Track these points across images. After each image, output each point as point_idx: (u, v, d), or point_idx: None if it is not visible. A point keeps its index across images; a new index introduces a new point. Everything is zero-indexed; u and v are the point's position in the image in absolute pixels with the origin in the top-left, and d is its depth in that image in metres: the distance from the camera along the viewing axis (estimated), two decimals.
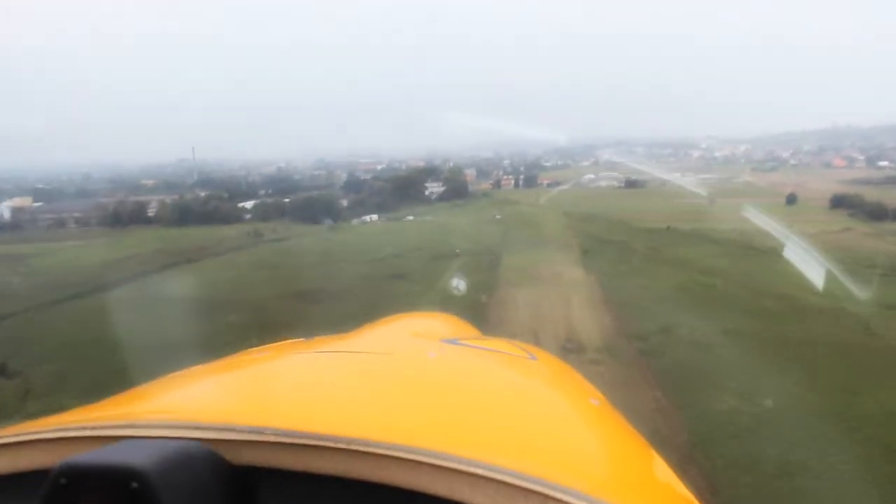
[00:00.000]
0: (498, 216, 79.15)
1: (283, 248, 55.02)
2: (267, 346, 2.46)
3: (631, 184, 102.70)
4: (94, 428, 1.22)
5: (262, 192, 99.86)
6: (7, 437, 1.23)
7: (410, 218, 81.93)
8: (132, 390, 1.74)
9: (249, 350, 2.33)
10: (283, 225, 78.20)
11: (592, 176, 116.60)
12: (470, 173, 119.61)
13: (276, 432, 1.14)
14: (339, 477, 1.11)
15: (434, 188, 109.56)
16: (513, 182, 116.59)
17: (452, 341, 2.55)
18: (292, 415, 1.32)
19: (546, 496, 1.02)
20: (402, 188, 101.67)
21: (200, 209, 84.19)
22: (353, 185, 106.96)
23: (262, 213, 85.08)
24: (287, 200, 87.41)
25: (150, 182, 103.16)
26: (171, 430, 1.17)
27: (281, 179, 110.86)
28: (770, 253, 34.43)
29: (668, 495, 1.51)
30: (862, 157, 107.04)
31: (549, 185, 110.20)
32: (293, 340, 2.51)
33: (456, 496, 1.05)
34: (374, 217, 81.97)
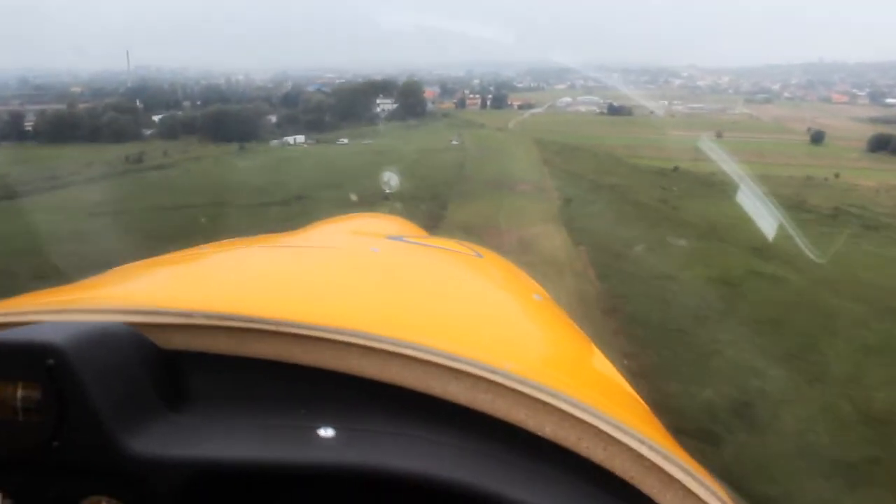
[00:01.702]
0: (455, 142, 64.92)
1: (153, 181, 39.88)
2: (207, 244, 2.29)
3: (615, 110, 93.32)
4: (14, 314, 1.15)
5: (186, 104, 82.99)
6: None
7: (344, 141, 68.00)
8: (59, 287, 1.56)
9: (189, 248, 2.15)
10: (185, 145, 64.85)
11: (569, 100, 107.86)
12: (432, 91, 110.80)
13: (207, 315, 1.11)
14: (270, 360, 1.10)
15: (387, 105, 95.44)
16: (479, 102, 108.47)
17: (398, 238, 2.52)
18: (225, 301, 1.25)
19: (477, 377, 1.02)
20: (345, 104, 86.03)
21: (91, 123, 67.99)
22: (291, 99, 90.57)
23: (169, 130, 69.44)
24: (199, 115, 70.92)
25: (77, 89, 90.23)
26: (94, 314, 1.12)
27: (215, 91, 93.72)
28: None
29: (605, 385, 1.47)
30: (863, 94, 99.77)
31: (520, 108, 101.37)
32: (234, 239, 2.39)
33: (385, 377, 1.05)
34: (301, 138, 66.87)
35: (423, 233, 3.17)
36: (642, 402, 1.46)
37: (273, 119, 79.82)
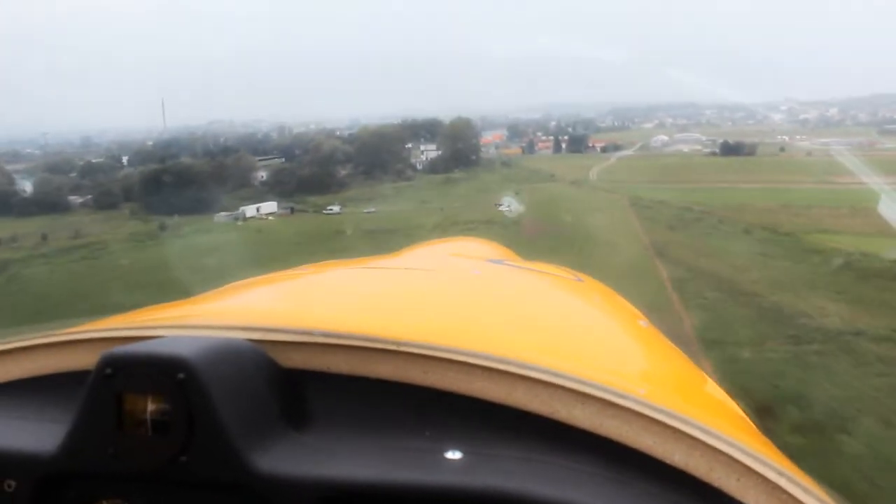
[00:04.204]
0: (505, 207, 41.03)
1: None
2: (310, 264, 2.33)
3: (731, 149, 77.20)
4: (139, 328, 1.19)
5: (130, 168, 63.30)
6: (51, 336, 1.21)
7: (334, 209, 46.14)
8: (178, 301, 1.66)
9: (294, 268, 2.24)
10: (106, 219, 45.31)
11: (665, 138, 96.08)
12: (499, 134, 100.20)
13: (326, 334, 1.12)
14: (389, 381, 1.09)
15: (430, 152, 77.73)
16: (553, 145, 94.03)
17: (498, 262, 2.54)
18: (341, 320, 1.26)
19: (605, 401, 1.00)
20: (369, 153, 64.73)
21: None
22: (290, 149, 69.94)
23: (101, 198, 48.81)
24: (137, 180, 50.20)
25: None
26: (218, 330, 1.15)
27: (178, 146, 74.14)
28: None
29: (724, 411, 1.45)
30: None
31: (603, 150, 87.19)
32: (336, 261, 2.46)
33: (510, 400, 1.04)
34: (270, 207, 45.26)
35: (518, 258, 2.99)
36: (753, 425, 1.44)
37: (262, 176, 58.50)
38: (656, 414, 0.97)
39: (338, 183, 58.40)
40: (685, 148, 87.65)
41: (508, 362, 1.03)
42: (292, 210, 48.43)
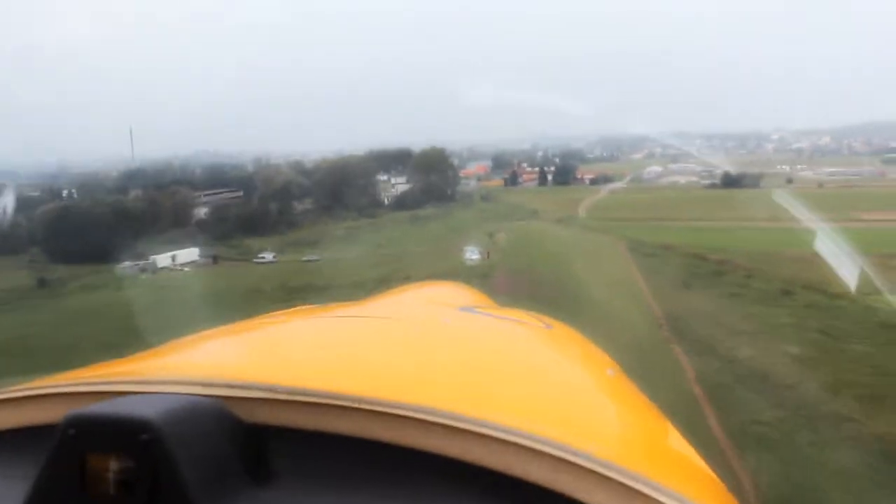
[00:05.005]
0: (473, 257, 33.28)
1: None
2: (281, 311, 2.41)
3: (731, 181, 69.40)
4: (102, 384, 1.21)
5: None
6: (14, 391, 1.24)
7: (266, 257, 39.22)
8: (143, 352, 1.68)
9: (263, 315, 2.28)
10: None
11: (658, 169, 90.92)
12: (482, 165, 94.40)
13: (289, 390, 1.14)
14: (351, 436, 1.12)
15: (400, 185, 69.98)
16: (538, 177, 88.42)
17: (468, 309, 2.52)
18: (305, 375, 1.29)
19: (558, 458, 1.03)
20: (329, 186, 56.88)
21: None
22: (243, 181, 62.15)
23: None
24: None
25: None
26: (181, 386, 1.16)
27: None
28: None
29: (683, 465, 1.48)
30: None
31: (592, 182, 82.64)
32: (307, 306, 2.51)
33: (468, 457, 1.07)
34: (190, 254, 37.79)
35: (490, 302, 3.05)
36: (720, 483, 1.45)
37: (201, 213, 50.54)
38: (609, 472, 0.99)
39: (288, 222, 50.75)
40: (681, 179, 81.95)
41: (465, 420, 1.06)
42: (215, 259, 40.70)
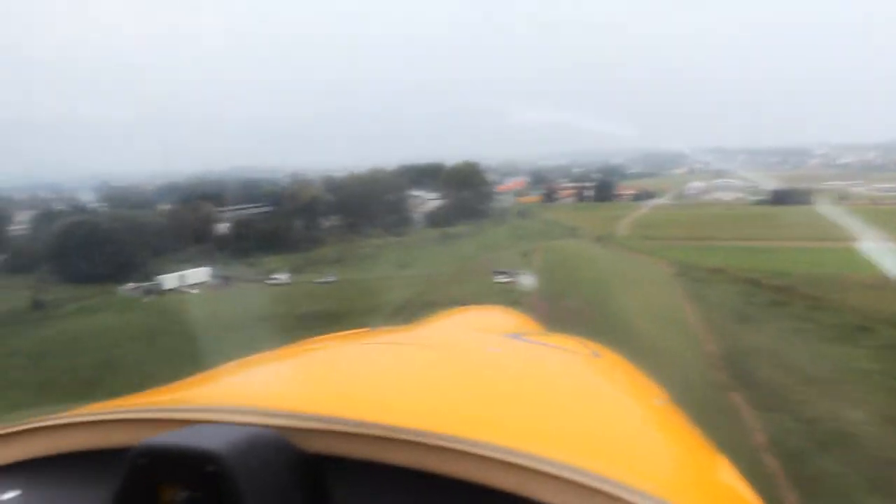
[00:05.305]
0: (504, 279, 30.53)
1: None
2: (333, 335, 2.45)
3: (781, 198, 66.39)
4: (170, 410, 1.27)
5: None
6: (87, 415, 1.31)
7: (280, 278, 37.62)
8: (205, 373, 1.76)
9: (315, 338, 2.33)
10: None
11: (701, 185, 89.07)
12: (520, 181, 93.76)
13: (346, 423, 1.18)
14: (407, 468, 1.15)
15: (433, 200, 67.35)
16: (576, 193, 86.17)
17: (515, 336, 2.55)
18: (360, 405, 1.35)
19: (613, 497, 1.05)
20: (356, 201, 54.54)
21: None
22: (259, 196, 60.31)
23: (15, 259, 39.48)
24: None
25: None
26: (244, 415, 1.22)
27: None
28: None
29: (734, 498, 1.51)
30: None
31: (636, 199, 79.58)
32: (357, 330, 2.53)
33: (523, 492, 1.08)
34: (199, 273, 35.94)
35: (537, 327, 3.12)
36: None
37: (223, 229, 48.42)
38: None
39: (312, 238, 48.30)
40: (726, 196, 79.24)
41: (521, 455, 1.07)
42: (226, 279, 38.42)
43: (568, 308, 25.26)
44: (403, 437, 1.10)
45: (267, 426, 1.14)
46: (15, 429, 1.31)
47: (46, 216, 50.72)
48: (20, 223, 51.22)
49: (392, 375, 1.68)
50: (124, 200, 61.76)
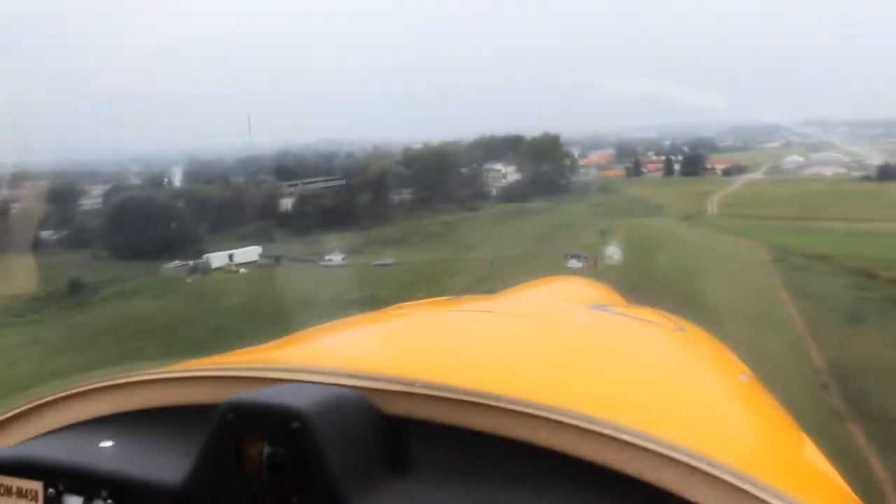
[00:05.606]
0: (576, 263, 27.47)
1: None
2: (416, 301, 2.51)
3: (890, 173, 58.05)
4: (257, 370, 1.32)
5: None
6: (178, 372, 1.37)
7: (334, 259, 35.62)
8: (291, 336, 1.83)
9: (400, 305, 2.38)
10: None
11: (800, 159, 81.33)
12: (605, 154, 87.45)
13: (427, 385, 1.20)
14: (486, 432, 1.17)
15: (510, 174, 64.82)
16: (664, 167, 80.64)
17: (600, 307, 2.55)
18: (441, 370, 1.37)
19: (693, 468, 1.05)
20: (430, 176, 52.39)
21: None
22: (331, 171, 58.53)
23: (76, 235, 38.57)
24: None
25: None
26: (328, 376, 1.26)
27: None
28: None
29: (819, 479, 1.49)
30: None
31: (725, 173, 74.98)
32: (442, 298, 2.55)
33: (600, 460, 1.10)
34: (249, 253, 34.18)
35: (622, 300, 3.04)
36: (855, 498, 1.45)
37: (286, 205, 46.86)
38: (743, 483, 1.00)
39: (378, 214, 46.23)
40: (826, 171, 72.80)
41: (599, 422, 1.09)
42: (277, 259, 36.80)
43: (645, 301, 22.33)
44: (482, 401, 1.12)
45: (350, 387, 1.18)
46: (109, 383, 1.36)
47: (115, 191, 50.52)
48: (94, 198, 50.96)
49: (473, 342, 1.70)
50: (201, 175, 61.10)
